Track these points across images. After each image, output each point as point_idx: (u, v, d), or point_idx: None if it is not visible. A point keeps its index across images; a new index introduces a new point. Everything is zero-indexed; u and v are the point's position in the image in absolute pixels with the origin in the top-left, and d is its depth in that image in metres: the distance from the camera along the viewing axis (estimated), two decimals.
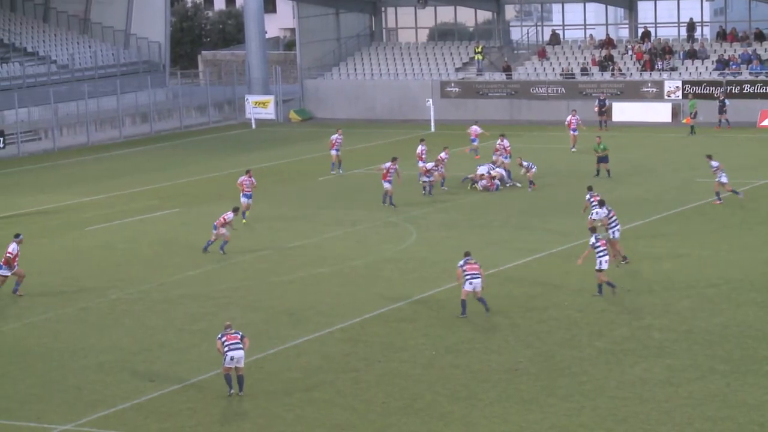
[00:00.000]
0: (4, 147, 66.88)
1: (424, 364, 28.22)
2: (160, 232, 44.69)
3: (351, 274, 37.12)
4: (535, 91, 73.86)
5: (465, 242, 39.61)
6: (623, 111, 70.87)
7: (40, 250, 41.94)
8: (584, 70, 74.01)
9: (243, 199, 44.81)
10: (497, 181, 50.00)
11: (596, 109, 68.53)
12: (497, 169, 50.69)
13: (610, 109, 70.17)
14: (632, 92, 71.58)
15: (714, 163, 45.18)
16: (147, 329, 32.00)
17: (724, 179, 44.96)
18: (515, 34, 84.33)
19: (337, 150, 55.28)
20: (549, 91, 73.44)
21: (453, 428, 24.33)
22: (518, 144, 55.47)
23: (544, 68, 75.85)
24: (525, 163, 49.95)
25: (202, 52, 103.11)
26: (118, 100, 74.05)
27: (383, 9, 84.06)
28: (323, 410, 25.52)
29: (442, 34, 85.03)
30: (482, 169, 50.73)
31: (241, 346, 26.33)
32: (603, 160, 51.20)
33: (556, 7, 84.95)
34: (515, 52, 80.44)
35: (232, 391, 26.31)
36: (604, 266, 32.89)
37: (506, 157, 52.12)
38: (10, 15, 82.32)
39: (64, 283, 37.03)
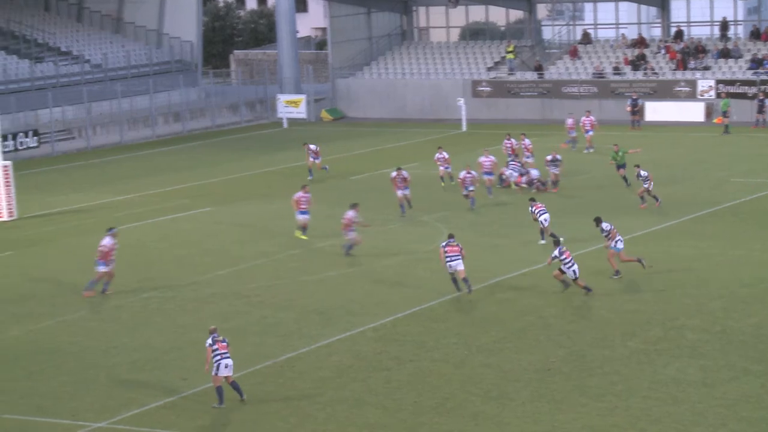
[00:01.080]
0: (38, 146, 67.28)
1: (456, 364, 28.19)
2: (191, 231, 44.84)
3: (382, 274, 37.12)
4: (566, 91, 73.65)
5: (496, 242, 39.56)
6: (656, 110, 70.58)
7: (73, 249, 42.22)
8: (616, 70, 73.75)
9: (299, 216, 42.03)
10: (529, 181, 49.75)
11: (629, 108, 68.28)
12: (533, 171, 50.36)
13: (642, 108, 69.88)
14: (665, 91, 71.25)
15: (643, 173, 44.79)
16: (178, 328, 32.11)
17: (650, 187, 44.76)
18: (547, 33, 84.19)
19: (314, 158, 54.92)
20: (581, 91, 73.20)
21: (485, 428, 24.28)
22: (550, 144, 55.11)
23: (576, 67, 75.63)
24: (559, 157, 49.50)
25: (234, 51, 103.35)
26: (150, 99, 74.42)
27: (414, 8, 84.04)
28: (355, 409, 25.53)
29: (474, 34, 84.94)
30: (509, 172, 50.23)
31: (229, 354, 26.15)
32: (622, 166, 50.07)
33: (588, 6, 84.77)
34: (547, 51, 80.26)
35: (222, 404, 25.70)
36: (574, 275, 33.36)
37: (528, 157, 51.90)
38: (44, 15, 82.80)
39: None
